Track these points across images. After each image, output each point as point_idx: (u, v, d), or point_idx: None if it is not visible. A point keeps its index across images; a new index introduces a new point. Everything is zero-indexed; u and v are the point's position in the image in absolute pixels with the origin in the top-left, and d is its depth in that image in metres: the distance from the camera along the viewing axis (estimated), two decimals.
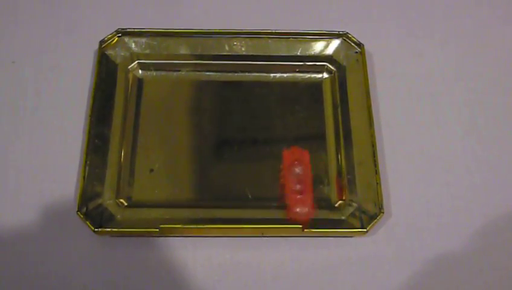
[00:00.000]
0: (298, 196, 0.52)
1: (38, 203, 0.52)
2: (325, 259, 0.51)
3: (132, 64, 0.58)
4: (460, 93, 0.59)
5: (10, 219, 0.52)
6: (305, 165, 0.53)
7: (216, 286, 0.50)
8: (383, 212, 0.50)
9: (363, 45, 0.58)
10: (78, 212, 0.49)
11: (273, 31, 0.59)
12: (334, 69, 0.59)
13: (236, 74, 0.59)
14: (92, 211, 0.50)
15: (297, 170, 0.53)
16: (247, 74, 0.59)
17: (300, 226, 0.49)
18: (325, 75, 0.59)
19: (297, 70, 0.59)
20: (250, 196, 0.53)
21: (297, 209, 0.52)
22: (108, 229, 0.49)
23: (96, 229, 0.49)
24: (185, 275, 0.50)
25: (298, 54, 0.59)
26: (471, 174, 0.55)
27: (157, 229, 0.49)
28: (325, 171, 0.54)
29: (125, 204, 0.52)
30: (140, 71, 0.59)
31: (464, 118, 0.58)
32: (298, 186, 0.52)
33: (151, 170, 0.54)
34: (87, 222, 0.49)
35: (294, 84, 0.59)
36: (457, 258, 0.51)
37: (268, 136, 0.56)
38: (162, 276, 0.50)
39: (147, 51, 0.59)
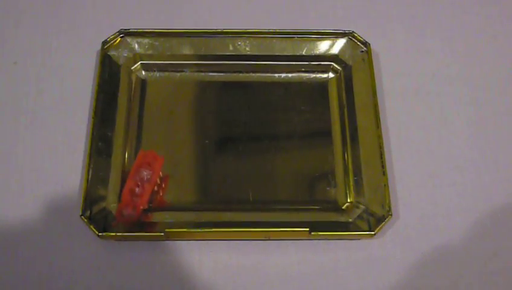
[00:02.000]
0: (134, 198, 0.51)
1: (42, 206, 0.52)
2: (332, 262, 0.51)
3: (135, 65, 0.58)
4: (467, 92, 0.58)
5: (13, 222, 0.51)
6: (154, 172, 0.52)
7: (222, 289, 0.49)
8: (391, 215, 0.49)
9: (369, 44, 0.57)
10: (82, 217, 0.49)
11: (278, 31, 0.58)
12: (340, 69, 0.58)
13: (240, 74, 0.58)
14: (96, 215, 0.50)
15: (145, 173, 0.52)
16: (251, 74, 0.58)
17: (307, 229, 0.48)
18: (331, 74, 0.58)
19: (302, 70, 0.58)
20: (251, 199, 0.52)
21: (124, 211, 0.50)
22: (113, 234, 0.48)
23: (100, 234, 0.48)
24: (191, 279, 0.50)
25: (303, 53, 0.58)
26: (479, 173, 0.54)
27: (162, 234, 0.48)
28: (331, 172, 0.53)
29: None
30: (143, 72, 0.58)
31: (471, 117, 0.57)
32: (137, 189, 0.51)
33: None
34: (91, 226, 0.48)
35: (299, 84, 0.58)
36: (466, 259, 0.51)
37: (273, 137, 0.55)
38: (168, 280, 0.49)
39: (150, 52, 0.58)
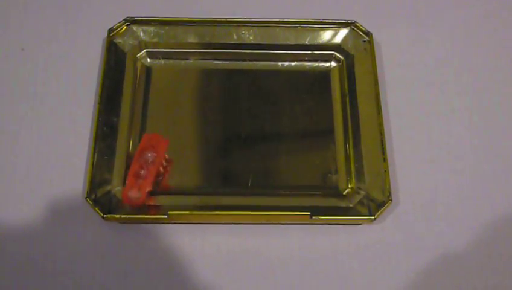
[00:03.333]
0: (139, 180, 0.51)
1: (48, 190, 0.53)
2: (332, 246, 0.51)
3: (140, 53, 0.59)
4: (468, 82, 0.59)
5: (19, 205, 0.52)
6: (158, 154, 0.52)
7: (224, 273, 0.50)
8: (391, 200, 0.50)
9: (371, 33, 0.58)
10: (87, 199, 0.49)
11: (282, 20, 0.59)
12: (343, 58, 0.59)
13: (244, 63, 0.59)
14: (101, 198, 0.50)
15: (149, 155, 0.52)
16: (255, 62, 0.59)
17: (308, 213, 0.49)
18: (333, 64, 0.59)
19: (305, 59, 0.59)
20: (249, 184, 0.53)
21: (130, 193, 0.51)
22: (117, 216, 0.49)
23: (105, 216, 0.49)
24: (193, 261, 0.50)
25: (306, 42, 0.59)
26: (479, 162, 0.55)
27: (166, 216, 0.49)
28: (333, 159, 0.54)
29: None
30: (148, 60, 0.59)
31: (472, 107, 0.58)
32: (142, 172, 0.52)
33: None
34: (96, 208, 0.49)
35: (302, 73, 0.59)
36: (464, 246, 0.51)
37: (276, 124, 0.56)
38: (171, 262, 0.50)
39: (155, 40, 0.59)
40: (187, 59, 0.59)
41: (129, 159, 0.53)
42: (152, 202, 0.51)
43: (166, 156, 0.53)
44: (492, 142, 0.56)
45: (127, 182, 0.51)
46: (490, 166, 0.55)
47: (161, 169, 0.52)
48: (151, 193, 0.52)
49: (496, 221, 0.52)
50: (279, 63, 0.59)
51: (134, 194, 0.50)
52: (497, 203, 0.53)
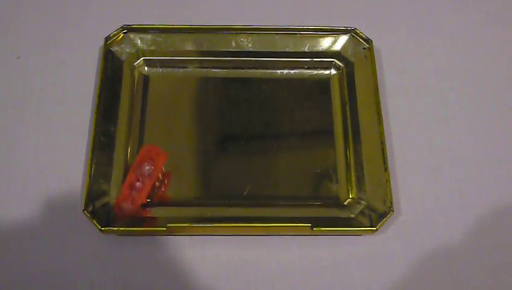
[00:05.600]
0: (133, 192, 0.51)
1: (44, 201, 0.52)
2: (333, 257, 0.51)
3: (138, 61, 0.58)
4: (469, 89, 0.58)
5: (16, 217, 0.51)
6: (156, 167, 0.52)
7: (225, 285, 0.49)
8: (393, 211, 0.49)
9: (371, 40, 0.58)
10: (85, 211, 0.49)
11: (280, 27, 0.58)
12: (342, 66, 0.58)
13: (243, 71, 0.58)
14: (99, 210, 0.50)
15: (147, 168, 0.52)
16: (254, 70, 0.58)
17: (309, 224, 0.48)
18: (333, 71, 0.58)
19: (304, 66, 0.59)
20: (245, 193, 0.52)
21: (123, 205, 0.50)
22: (115, 229, 0.48)
23: (103, 228, 0.48)
24: (193, 274, 0.50)
25: (306, 50, 0.58)
26: (481, 170, 0.54)
27: (165, 228, 0.48)
28: (333, 168, 0.53)
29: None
30: (146, 68, 0.58)
31: (473, 114, 0.57)
32: (138, 184, 0.51)
33: None
34: (94, 221, 0.48)
35: (301, 81, 0.58)
36: (467, 255, 0.51)
37: (275, 133, 0.55)
38: (170, 275, 0.50)
39: (153, 48, 0.58)
40: (185, 67, 0.58)
41: (127, 169, 0.53)
42: (145, 214, 0.51)
43: (164, 169, 0.52)
44: (495, 149, 0.55)
45: (121, 191, 0.51)
46: (492, 174, 0.54)
47: (157, 183, 0.51)
48: (146, 205, 0.51)
49: (500, 230, 0.52)
50: (278, 71, 0.58)
51: (126, 205, 0.50)
52: (500, 211, 0.53)
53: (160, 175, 0.52)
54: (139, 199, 0.51)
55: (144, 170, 0.51)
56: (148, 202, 0.51)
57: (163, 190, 0.52)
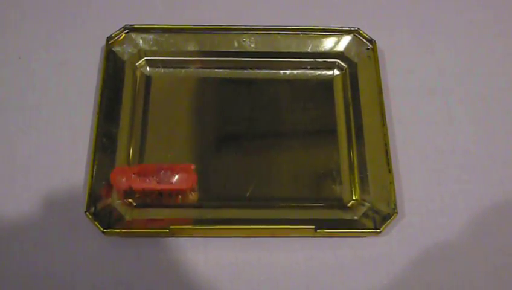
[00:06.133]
0: (138, 177, 0.50)
1: (46, 202, 0.52)
2: (337, 259, 0.50)
3: (140, 61, 0.58)
4: (473, 89, 0.58)
5: (17, 218, 0.51)
6: (170, 182, 0.51)
7: (227, 287, 0.49)
8: (397, 213, 0.49)
9: (374, 41, 0.57)
10: (87, 213, 0.48)
11: (283, 27, 0.58)
12: (346, 66, 0.58)
13: (245, 71, 0.58)
14: (101, 211, 0.49)
15: (165, 176, 0.51)
16: (256, 71, 0.58)
17: (313, 226, 0.48)
18: (336, 72, 0.58)
19: (307, 67, 0.58)
20: (248, 194, 0.52)
21: (119, 177, 0.50)
22: (117, 230, 0.48)
23: (105, 230, 0.48)
24: (196, 275, 0.49)
25: (309, 50, 0.58)
26: (486, 172, 0.54)
27: (167, 230, 0.48)
28: (336, 170, 0.53)
29: (134, 204, 0.51)
30: (148, 68, 0.58)
31: (477, 115, 0.57)
32: (147, 180, 0.50)
33: None
34: (96, 223, 0.48)
35: (304, 82, 0.58)
36: (471, 257, 0.51)
37: (278, 134, 0.55)
38: (173, 277, 0.49)
39: (155, 48, 0.58)
40: (187, 67, 0.58)
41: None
42: (153, 215, 0.51)
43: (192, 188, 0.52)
44: (499, 150, 0.55)
45: (133, 167, 0.51)
46: (497, 175, 0.54)
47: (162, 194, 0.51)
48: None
49: (503, 231, 0.52)
50: (281, 72, 0.58)
51: (120, 179, 0.50)
52: (504, 213, 0.52)
53: (170, 191, 0.51)
54: (134, 184, 0.50)
55: (162, 174, 0.50)
56: (136, 197, 0.51)
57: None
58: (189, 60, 0.58)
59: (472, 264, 0.50)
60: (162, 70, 0.58)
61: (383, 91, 0.55)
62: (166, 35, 0.58)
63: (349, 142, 0.54)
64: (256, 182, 0.52)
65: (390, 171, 0.51)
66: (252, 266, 0.50)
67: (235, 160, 0.54)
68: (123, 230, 0.48)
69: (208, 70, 0.58)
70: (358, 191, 0.52)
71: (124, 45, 0.57)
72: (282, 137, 0.55)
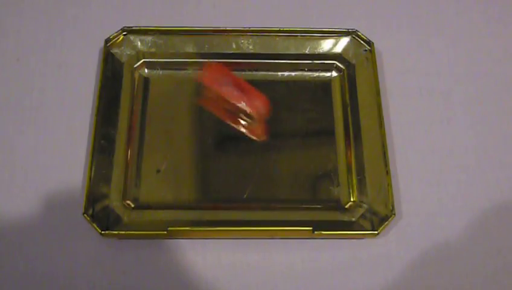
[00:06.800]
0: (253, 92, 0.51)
1: (44, 204, 0.52)
2: (335, 260, 0.51)
3: (138, 63, 0.58)
4: (471, 91, 0.58)
5: (16, 219, 0.51)
6: (229, 76, 0.52)
7: (226, 288, 0.49)
8: (395, 214, 0.49)
9: (372, 42, 0.57)
10: (85, 215, 0.49)
11: (281, 29, 0.58)
12: (343, 68, 0.58)
13: (243, 73, 0.58)
14: (99, 213, 0.49)
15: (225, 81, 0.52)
16: (254, 72, 0.58)
17: (311, 228, 0.48)
18: (334, 73, 0.58)
19: (305, 68, 0.58)
20: (245, 196, 0.52)
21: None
22: (115, 232, 0.48)
23: (102, 232, 0.48)
24: (194, 277, 0.49)
25: (307, 52, 0.58)
26: (483, 173, 0.54)
27: (166, 232, 0.48)
28: (334, 171, 0.53)
29: (132, 206, 0.52)
30: (146, 70, 0.58)
31: (475, 116, 0.57)
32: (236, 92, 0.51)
33: (158, 171, 0.53)
34: (94, 224, 0.48)
35: (302, 83, 0.58)
36: (469, 258, 0.51)
37: (276, 136, 0.55)
38: (171, 278, 0.49)
39: (153, 50, 0.58)
40: (185, 69, 0.58)
41: (127, 172, 0.52)
42: (151, 217, 0.51)
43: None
44: (497, 152, 0.55)
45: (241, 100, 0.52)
46: (494, 177, 0.54)
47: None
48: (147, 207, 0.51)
49: (501, 233, 0.52)
50: (279, 73, 0.58)
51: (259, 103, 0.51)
52: (502, 214, 0.53)
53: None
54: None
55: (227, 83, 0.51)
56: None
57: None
58: (187, 62, 0.58)
59: (470, 266, 0.50)
60: (160, 72, 0.58)
61: (381, 93, 0.55)
62: (165, 37, 0.58)
63: (347, 143, 0.54)
64: (254, 184, 0.53)
65: (388, 172, 0.51)
66: (250, 267, 0.50)
67: (232, 161, 0.54)
68: (121, 232, 0.48)
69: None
70: (356, 192, 0.52)
71: (122, 47, 0.57)
72: (280, 138, 0.55)
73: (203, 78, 0.51)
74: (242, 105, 0.51)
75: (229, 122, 0.53)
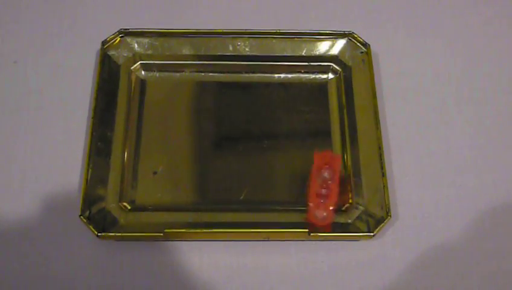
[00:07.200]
0: (321, 200, 0.51)
1: (41, 206, 0.52)
2: (331, 262, 0.51)
3: (135, 65, 0.58)
4: (467, 93, 0.58)
5: (12, 222, 0.51)
6: (335, 170, 0.52)
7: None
8: (390, 216, 0.49)
9: (369, 44, 0.57)
10: (81, 217, 0.49)
11: (278, 31, 0.58)
12: (340, 70, 0.58)
13: (240, 75, 0.58)
14: (95, 215, 0.49)
15: (326, 174, 0.52)
16: (251, 74, 0.58)
17: (306, 230, 0.48)
18: (331, 75, 0.58)
19: (302, 70, 0.58)
20: (242, 197, 0.52)
21: (317, 213, 0.50)
22: (112, 234, 0.48)
23: (99, 234, 0.48)
24: (191, 279, 0.50)
25: (303, 54, 0.58)
26: (480, 174, 0.54)
27: (162, 234, 0.48)
28: None
29: (129, 208, 0.52)
30: (143, 72, 0.58)
31: (471, 118, 0.57)
32: (324, 191, 0.51)
33: (155, 173, 0.53)
34: (90, 226, 0.48)
35: (299, 85, 0.58)
36: (465, 260, 0.51)
37: (273, 138, 0.55)
38: (167, 280, 0.49)
39: (150, 52, 0.58)
40: (182, 71, 0.58)
41: (124, 174, 0.52)
42: (147, 219, 0.51)
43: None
44: (493, 154, 0.55)
45: (310, 201, 0.51)
46: (490, 178, 0.54)
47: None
48: (144, 209, 0.51)
49: (497, 234, 0.52)
50: (276, 75, 0.58)
51: (320, 213, 0.50)
52: (498, 216, 0.53)
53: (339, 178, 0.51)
54: (329, 205, 0.50)
55: (325, 176, 0.51)
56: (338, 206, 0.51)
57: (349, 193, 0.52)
58: (184, 64, 0.58)
59: (466, 268, 0.50)
60: (157, 74, 0.58)
61: (377, 94, 0.55)
62: (161, 39, 0.58)
63: (343, 145, 0.55)
64: (251, 186, 0.53)
65: (384, 174, 0.51)
66: (246, 269, 0.50)
67: (229, 163, 0.54)
68: (117, 234, 0.49)
69: (202, 74, 0.58)
70: (352, 194, 0.52)
71: (119, 49, 0.57)
72: (277, 140, 0.55)
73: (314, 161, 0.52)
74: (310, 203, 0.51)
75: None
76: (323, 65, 0.58)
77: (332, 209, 0.50)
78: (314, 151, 0.53)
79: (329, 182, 0.51)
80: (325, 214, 0.50)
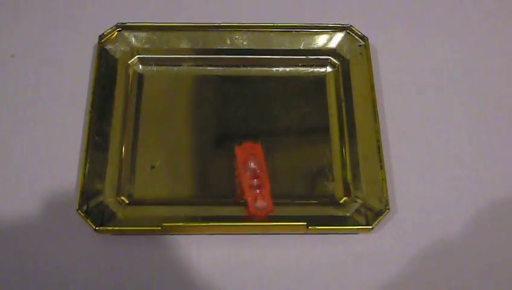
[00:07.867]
0: (257, 191, 0.51)
1: (38, 200, 0.52)
2: (329, 255, 0.50)
3: (132, 59, 0.58)
4: (466, 87, 0.58)
5: (10, 216, 0.51)
6: (259, 159, 0.52)
7: (220, 284, 0.49)
8: (389, 209, 0.49)
9: (367, 38, 0.57)
10: (79, 211, 0.48)
11: (276, 25, 0.58)
12: (338, 63, 0.58)
13: (238, 69, 0.58)
14: (93, 209, 0.49)
15: (252, 164, 0.52)
16: (249, 68, 0.58)
17: (305, 223, 0.48)
18: (329, 69, 0.58)
19: (300, 64, 0.58)
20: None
21: (257, 205, 0.50)
22: (110, 228, 0.48)
23: (97, 228, 0.48)
24: (189, 273, 0.49)
25: (301, 47, 0.58)
26: (478, 168, 0.54)
27: (160, 228, 0.48)
28: (329, 167, 0.53)
29: (127, 202, 0.52)
30: (140, 66, 0.58)
31: (470, 111, 0.57)
32: (256, 181, 0.51)
33: (152, 167, 0.53)
34: (88, 221, 0.48)
35: (297, 79, 0.58)
36: (463, 254, 0.51)
37: (271, 131, 0.55)
38: (165, 274, 0.49)
39: (147, 46, 0.58)
40: (180, 65, 0.58)
41: (121, 168, 0.52)
42: (146, 213, 0.51)
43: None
44: (492, 148, 0.55)
45: (247, 195, 0.50)
46: (489, 172, 0.54)
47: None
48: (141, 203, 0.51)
49: (496, 228, 0.52)
50: (274, 69, 0.58)
51: (261, 204, 0.50)
52: (497, 209, 0.52)
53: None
54: (266, 193, 0.50)
55: (252, 167, 0.51)
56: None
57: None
58: (181, 58, 0.58)
59: (465, 261, 0.50)
60: (155, 68, 0.58)
61: (376, 88, 0.55)
62: (159, 33, 0.58)
63: (341, 138, 0.54)
64: None
65: (382, 167, 0.51)
66: (244, 262, 0.50)
67: (227, 157, 0.54)
68: (115, 228, 0.48)
69: (200, 68, 0.58)
70: (350, 187, 0.52)
71: (117, 43, 0.57)
72: (275, 134, 0.55)
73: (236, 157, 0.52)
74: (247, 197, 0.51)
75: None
76: (321, 58, 0.58)
77: (270, 198, 0.50)
78: (235, 146, 0.53)
79: (258, 171, 0.51)
80: (265, 203, 0.50)
